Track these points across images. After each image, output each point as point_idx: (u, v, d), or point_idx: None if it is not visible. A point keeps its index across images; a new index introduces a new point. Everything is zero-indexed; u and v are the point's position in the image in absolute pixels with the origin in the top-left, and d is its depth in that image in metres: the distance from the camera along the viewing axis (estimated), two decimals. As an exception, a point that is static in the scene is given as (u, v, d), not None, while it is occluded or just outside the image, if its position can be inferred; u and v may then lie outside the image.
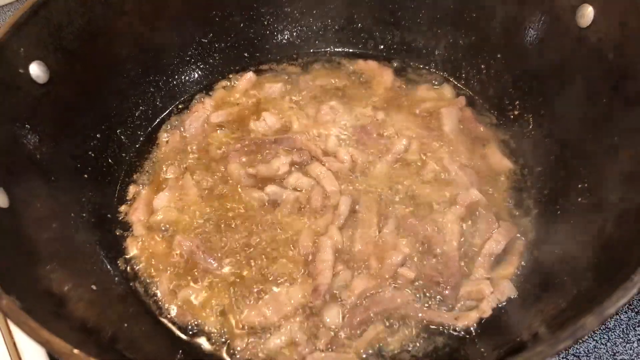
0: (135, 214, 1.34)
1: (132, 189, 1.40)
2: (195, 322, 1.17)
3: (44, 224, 1.12)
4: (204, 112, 1.51)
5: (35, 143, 1.18)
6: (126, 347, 1.02)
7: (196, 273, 1.23)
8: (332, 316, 1.13)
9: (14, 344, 1.21)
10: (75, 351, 0.77)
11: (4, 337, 1.22)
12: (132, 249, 1.28)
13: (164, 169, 1.43)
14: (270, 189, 1.31)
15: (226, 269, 1.22)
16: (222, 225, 1.29)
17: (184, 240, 1.25)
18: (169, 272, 1.24)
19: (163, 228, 1.31)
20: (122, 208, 1.37)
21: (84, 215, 1.27)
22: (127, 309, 1.18)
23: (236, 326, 1.15)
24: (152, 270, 1.25)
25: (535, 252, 1.19)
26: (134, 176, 1.43)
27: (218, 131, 1.49)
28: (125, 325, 1.10)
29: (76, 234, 1.22)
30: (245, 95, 1.57)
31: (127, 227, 1.33)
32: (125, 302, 1.19)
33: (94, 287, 1.14)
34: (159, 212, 1.33)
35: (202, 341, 1.14)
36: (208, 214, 1.32)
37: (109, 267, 1.25)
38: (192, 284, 1.22)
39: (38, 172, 1.17)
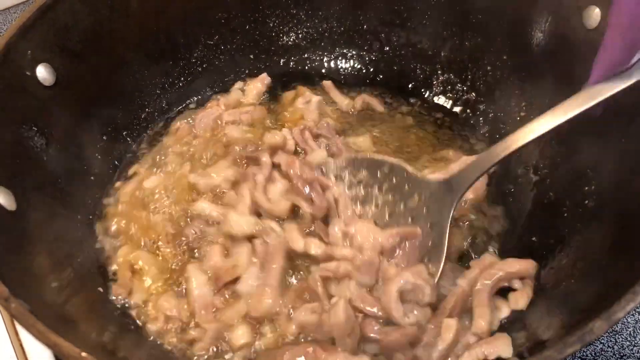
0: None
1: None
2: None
3: (50, 226, 1.13)
4: (217, 109, 1.51)
5: (42, 145, 1.18)
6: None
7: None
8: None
9: (21, 345, 1.21)
10: (84, 354, 0.77)
11: (11, 339, 1.22)
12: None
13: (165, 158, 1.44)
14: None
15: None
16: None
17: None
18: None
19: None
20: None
21: (91, 217, 1.27)
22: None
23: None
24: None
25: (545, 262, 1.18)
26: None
27: (227, 130, 1.47)
28: (132, 327, 1.11)
29: (82, 236, 1.23)
30: (259, 99, 1.58)
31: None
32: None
33: (100, 289, 1.15)
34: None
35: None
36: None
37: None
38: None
39: (44, 175, 1.17)
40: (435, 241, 1.13)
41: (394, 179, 1.22)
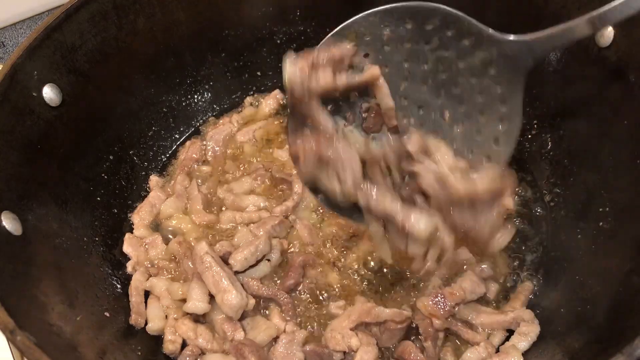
0: (139, 214, 1.36)
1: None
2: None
3: (56, 250, 1.11)
4: (230, 126, 1.52)
5: (48, 167, 1.17)
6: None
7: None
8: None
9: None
10: (90, 388, 0.76)
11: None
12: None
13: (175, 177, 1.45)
14: None
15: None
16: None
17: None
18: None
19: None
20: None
21: (97, 239, 1.26)
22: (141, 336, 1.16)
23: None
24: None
25: (557, 282, 1.17)
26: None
27: (239, 147, 1.50)
28: (139, 353, 1.09)
29: (89, 258, 1.21)
30: (272, 114, 1.58)
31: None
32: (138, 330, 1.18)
33: (107, 314, 1.13)
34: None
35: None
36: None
37: (121, 290, 1.24)
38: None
39: (50, 197, 1.16)
40: (507, 114, 0.96)
41: (449, 33, 0.97)
